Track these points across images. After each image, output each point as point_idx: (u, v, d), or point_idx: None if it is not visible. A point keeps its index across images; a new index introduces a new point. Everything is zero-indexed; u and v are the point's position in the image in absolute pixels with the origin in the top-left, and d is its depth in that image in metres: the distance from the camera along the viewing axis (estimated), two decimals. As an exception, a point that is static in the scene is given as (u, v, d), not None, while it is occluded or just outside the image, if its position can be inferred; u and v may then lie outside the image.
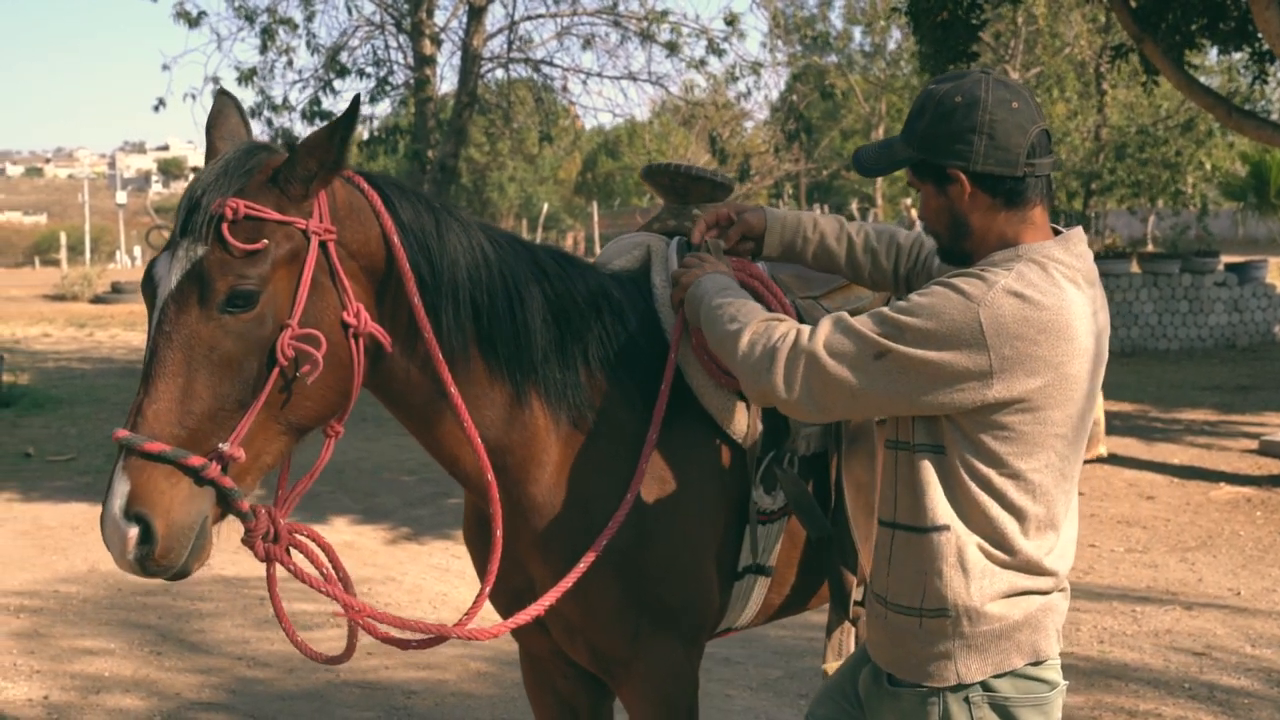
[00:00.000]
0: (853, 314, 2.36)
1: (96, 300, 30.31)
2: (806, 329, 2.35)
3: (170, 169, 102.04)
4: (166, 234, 2.78)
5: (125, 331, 23.38)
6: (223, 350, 2.27)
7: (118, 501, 2.21)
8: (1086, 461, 9.98)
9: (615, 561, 2.67)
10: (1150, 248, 26.29)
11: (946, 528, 2.26)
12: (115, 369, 17.62)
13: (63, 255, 35.89)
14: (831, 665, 3.15)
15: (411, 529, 8.50)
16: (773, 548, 2.86)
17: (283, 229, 2.32)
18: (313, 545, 2.49)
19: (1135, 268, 18.45)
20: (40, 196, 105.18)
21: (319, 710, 5.18)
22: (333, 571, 2.51)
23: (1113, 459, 10.24)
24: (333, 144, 2.33)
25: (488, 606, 2.76)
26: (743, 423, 2.76)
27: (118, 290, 30.41)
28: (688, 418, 2.74)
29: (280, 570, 2.49)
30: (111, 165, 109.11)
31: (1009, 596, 2.29)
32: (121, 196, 64.11)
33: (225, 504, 2.30)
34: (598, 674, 2.87)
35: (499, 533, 2.61)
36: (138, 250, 49.72)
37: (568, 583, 2.59)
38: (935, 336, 2.20)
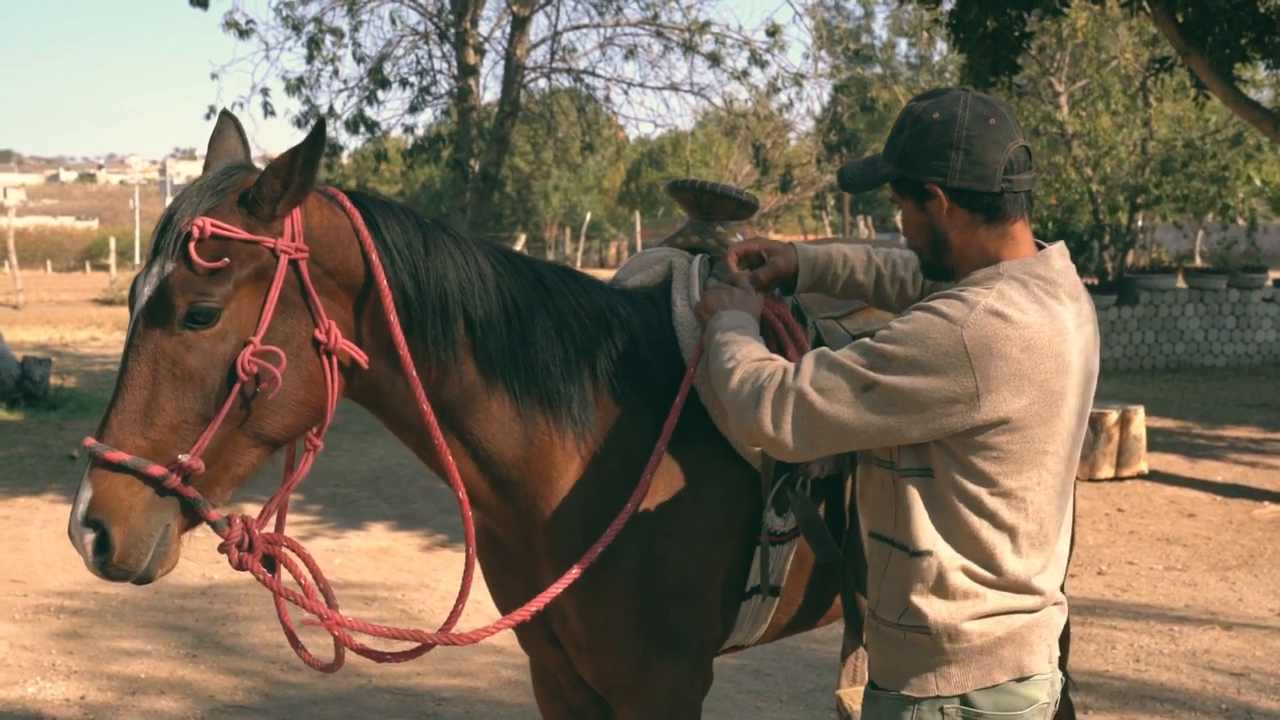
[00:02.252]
0: (870, 336, 2.35)
1: (144, 305, 30.62)
2: (793, 367, 2.33)
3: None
4: None
5: (171, 336, 23.61)
6: (185, 365, 2.32)
7: (80, 508, 2.31)
8: (1127, 478, 9.88)
9: (626, 582, 2.67)
10: (1198, 263, 25.95)
11: (929, 553, 2.27)
12: (161, 373, 17.77)
13: (112, 260, 36.32)
14: (845, 690, 3.12)
15: (447, 535, 8.55)
16: (782, 568, 2.85)
17: (248, 247, 2.36)
18: (293, 555, 2.52)
19: (1181, 283, 18.24)
20: (93, 202, 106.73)
21: (350, 715, 5.22)
22: (311, 582, 2.53)
23: (1154, 475, 10.12)
24: (294, 166, 2.35)
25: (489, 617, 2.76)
26: None
27: (165, 295, 30.64)
28: (700, 438, 2.73)
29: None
30: (163, 172, 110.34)
31: (992, 616, 2.28)
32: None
33: (192, 514, 2.36)
34: (600, 694, 2.87)
35: (472, 550, 2.65)
36: (186, 256, 50.04)
37: (558, 589, 2.60)
38: (920, 363, 2.20)
